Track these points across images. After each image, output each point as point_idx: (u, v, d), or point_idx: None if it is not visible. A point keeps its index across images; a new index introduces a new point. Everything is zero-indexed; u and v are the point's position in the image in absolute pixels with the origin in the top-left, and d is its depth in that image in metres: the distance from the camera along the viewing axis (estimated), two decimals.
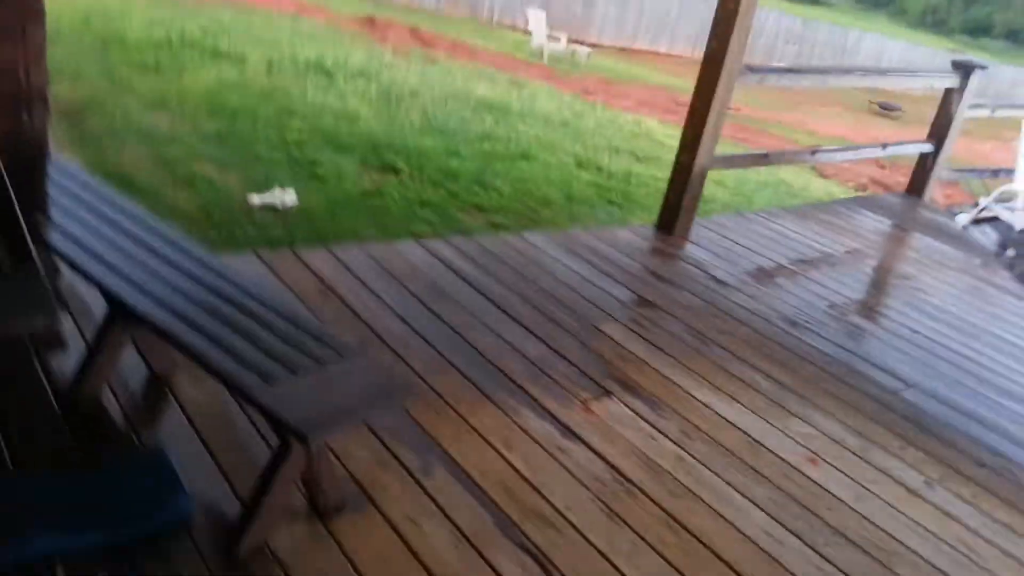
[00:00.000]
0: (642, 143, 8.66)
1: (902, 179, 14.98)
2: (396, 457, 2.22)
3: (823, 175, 12.39)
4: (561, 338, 3.13)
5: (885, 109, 24.40)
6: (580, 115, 9.58)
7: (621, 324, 3.37)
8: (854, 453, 2.78)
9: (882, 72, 5.89)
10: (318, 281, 3.15)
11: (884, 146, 5.91)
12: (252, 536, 1.76)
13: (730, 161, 4.84)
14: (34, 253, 1.39)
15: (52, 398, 2.14)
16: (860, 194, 8.28)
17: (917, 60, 33.21)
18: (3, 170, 1.74)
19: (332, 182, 5.17)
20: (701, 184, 4.56)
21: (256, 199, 4.56)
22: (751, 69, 4.42)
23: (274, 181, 4.89)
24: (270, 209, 4.51)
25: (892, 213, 6.01)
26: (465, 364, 2.79)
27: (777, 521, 2.33)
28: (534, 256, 3.88)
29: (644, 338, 3.28)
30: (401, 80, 8.41)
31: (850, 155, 5.80)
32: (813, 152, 5.64)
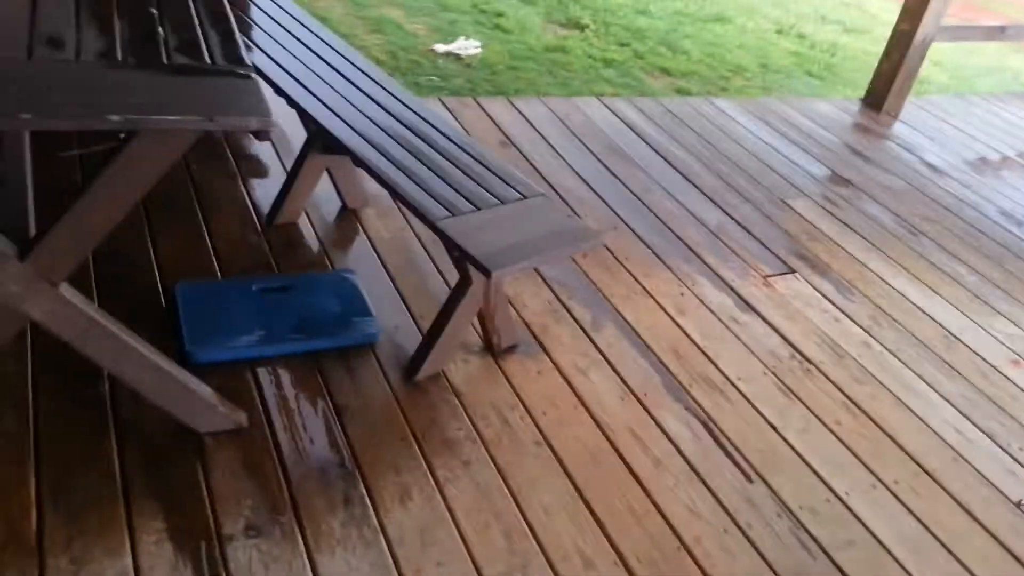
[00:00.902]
0: (853, 13, 7.79)
1: None
2: (567, 309, 2.22)
3: None
4: (745, 209, 2.96)
5: None
6: None
7: (813, 201, 3.15)
8: None
9: None
10: (498, 130, 3.13)
11: None
12: (431, 363, 1.84)
13: (959, 32, 4.26)
14: (244, 54, 1.41)
15: (255, 219, 2.28)
16: None
17: None
18: None
19: (516, 34, 5.04)
20: (921, 57, 4.06)
21: (441, 47, 4.54)
22: None
23: (459, 31, 4.83)
24: (454, 57, 4.49)
25: None
26: (641, 226, 2.71)
27: (968, 418, 2.16)
28: (722, 123, 3.65)
29: (838, 218, 3.05)
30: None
31: None
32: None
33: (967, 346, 2.46)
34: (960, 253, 2.99)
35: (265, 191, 2.39)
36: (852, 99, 4.33)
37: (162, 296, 1.92)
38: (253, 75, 1.29)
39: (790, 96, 4.67)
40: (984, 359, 2.41)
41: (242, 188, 2.42)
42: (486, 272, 1.58)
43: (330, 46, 2.39)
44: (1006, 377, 2.36)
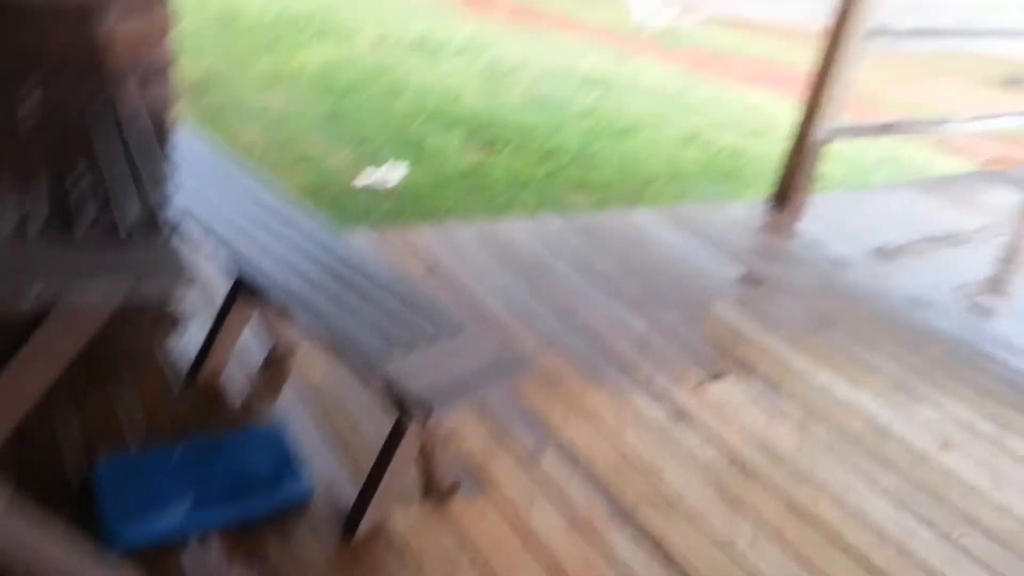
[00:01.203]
0: (752, 118, 8.33)
1: None
2: (508, 438, 2.21)
3: (945, 152, 11.63)
4: (671, 317, 3.05)
5: (1015, 82, 22.70)
6: (686, 89, 9.31)
7: (733, 302, 3.26)
8: (988, 440, 2.59)
9: (1021, 35, 5.40)
10: (425, 259, 3.18)
11: (1021, 114, 5.47)
12: (371, 515, 1.79)
13: (852, 132, 4.59)
14: (161, 217, 1.42)
15: (179, 376, 2.23)
16: (993, 170, 7.70)
17: None
18: (133, 137, 1.81)
19: (438, 159, 5.20)
20: (815, 162, 4.33)
21: (366, 175, 4.65)
22: (878, 32, 4.15)
23: (383, 158, 4.96)
24: (379, 186, 4.59)
25: None
26: (573, 344, 2.76)
27: (907, 509, 2.20)
28: (641, 233, 3.79)
29: (758, 317, 3.16)
30: (505, 55, 8.38)
31: (982, 125, 5.40)
32: (942, 122, 5.28)
33: (896, 436, 2.53)
34: (876, 343, 3.12)
35: (187, 343, 2.35)
36: (758, 200, 4.57)
37: (80, 476, 1.83)
38: (173, 236, 1.30)
39: (702, 202, 4.91)
40: (914, 447, 2.49)
41: (163, 342, 2.37)
42: (425, 414, 1.58)
43: (253, 185, 2.42)
44: (937, 463, 2.43)
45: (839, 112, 4.22)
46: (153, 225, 1.34)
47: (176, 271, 1.20)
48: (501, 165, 5.29)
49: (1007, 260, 4.50)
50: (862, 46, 4.04)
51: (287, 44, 7.47)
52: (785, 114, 9.53)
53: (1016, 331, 3.43)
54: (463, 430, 2.19)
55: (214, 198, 2.28)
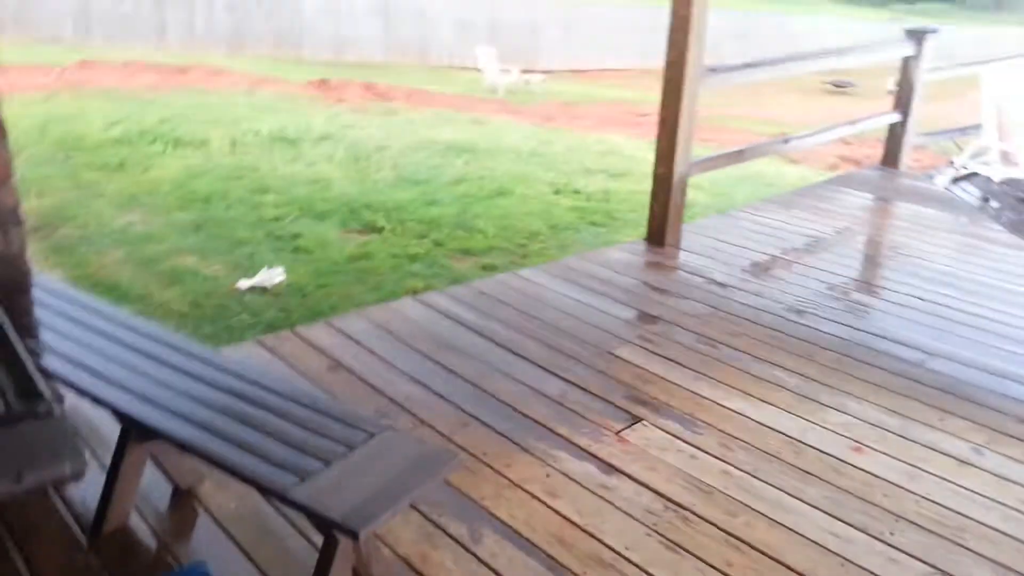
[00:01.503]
0: (613, 160, 8.68)
1: (869, 151, 15.11)
2: (442, 529, 2.14)
3: (793, 161, 12.48)
4: (579, 371, 3.07)
5: (839, 87, 24.73)
6: (547, 143, 9.62)
7: (634, 345, 3.32)
8: (896, 434, 2.73)
9: (840, 53, 5.90)
10: (324, 358, 3.08)
11: (854, 122, 5.93)
12: None
13: (708, 164, 4.83)
14: (42, 387, 1.32)
15: (79, 534, 2.05)
16: (837, 173, 8.30)
17: (863, 35, 33.76)
18: None
19: (317, 252, 5.12)
20: (683, 192, 4.54)
21: (244, 283, 4.51)
22: (712, 70, 4.43)
23: (258, 262, 4.84)
24: (260, 291, 4.46)
25: (872, 187, 6.02)
26: (489, 416, 2.73)
27: (838, 519, 2.26)
28: (532, 292, 3.83)
29: (660, 355, 3.23)
30: (366, 137, 8.42)
31: (823, 137, 5.81)
32: (786, 141, 5.65)
33: (811, 446, 2.62)
34: (772, 358, 3.24)
35: (85, 496, 2.17)
36: (637, 239, 4.72)
37: None
38: (55, 409, 1.19)
39: (584, 250, 5.03)
40: (830, 454, 2.58)
41: (57, 501, 2.18)
42: (353, 535, 1.50)
43: (125, 325, 2.29)
44: (854, 467, 2.52)
45: (691, 146, 4.45)
46: (33, 398, 1.23)
47: (67, 448, 1.10)
48: (383, 247, 5.26)
49: (869, 257, 4.82)
50: (699, 85, 4.30)
51: (138, 159, 7.23)
52: (641, 151, 9.99)
53: (894, 323, 3.65)
54: (396, 530, 2.11)
55: (87, 346, 2.14)
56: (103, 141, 7.85)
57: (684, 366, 3.15)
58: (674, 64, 4.24)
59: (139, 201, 6.06)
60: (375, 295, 4.43)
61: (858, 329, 3.56)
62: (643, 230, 4.65)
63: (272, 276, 4.59)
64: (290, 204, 6.03)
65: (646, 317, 3.64)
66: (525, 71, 22.07)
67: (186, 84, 11.66)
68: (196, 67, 13.29)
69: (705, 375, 3.08)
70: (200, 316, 4.09)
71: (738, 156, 5.06)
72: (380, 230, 5.56)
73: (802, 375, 3.11)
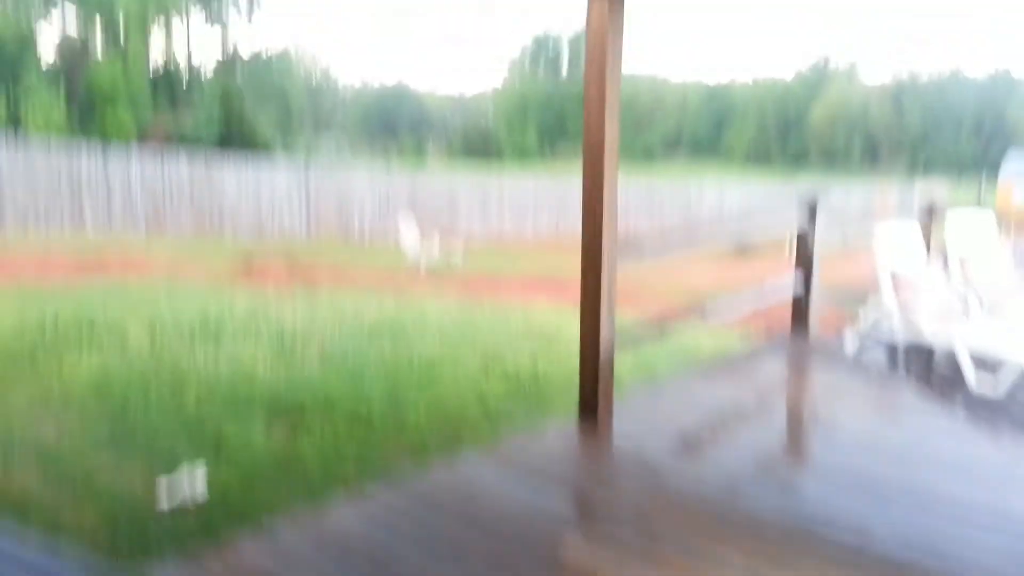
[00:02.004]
0: (539, 331, 8.87)
1: (776, 306, 15.87)
2: None
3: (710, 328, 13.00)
4: (525, 568, 2.97)
5: (742, 251, 26.40)
6: (472, 320, 9.78)
7: (580, 537, 3.26)
8: None
9: (744, 220, 6.37)
10: None
11: (762, 289, 6.28)
12: None
13: (635, 339, 4.99)
14: None
15: None
16: (754, 342, 8.66)
17: (756, 195, 36.51)
18: None
19: (243, 450, 4.94)
20: (611, 372, 4.63)
21: (165, 493, 4.27)
22: (631, 248, 4.65)
23: (179, 464, 4.62)
24: (182, 500, 4.23)
25: (787, 356, 6.30)
26: None
27: None
28: (470, 483, 3.76)
29: (605, 544, 3.17)
30: (290, 321, 8.39)
31: (738, 305, 6.11)
32: (704, 311, 5.89)
33: None
34: (718, 537, 3.22)
35: None
36: (570, 416, 4.74)
37: None
38: None
39: (516, 432, 5.00)
40: None
41: None
42: None
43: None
44: None
45: (614, 324, 4.59)
46: None
47: None
48: (311, 441, 5.13)
49: (793, 428, 4.96)
50: (616, 263, 4.49)
51: (50, 357, 6.97)
52: (565, 318, 10.25)
53: (830, 498, 3.69)
54: None
55: None
56: (13, 336, 7.57)
57: (632, 553, 3.09)
58: (589, 248, 4.42)
59: (48, 407, 5.79)
60: (306, 495, 4.25)
61: (796, 508, 3.59)
62: (574, 404, 4.69)
63: (193, 482, 4.37)
64: (213, 398, 5.86)
65: (587, 509, 3.60)
66: (445, 241, 22.74)
67: (103, 275, 11.53)
68: (113, 257, 13.20)
69: (653, 561, 3.02)
70: (120, 536, 3.83)
71: (663, 328, 5.25)
72: (308, 424, 5.43)
73: (747, 553, 3.08)
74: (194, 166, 21.70)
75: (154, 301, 9.24)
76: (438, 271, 17.93)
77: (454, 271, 17.95)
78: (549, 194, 28.73)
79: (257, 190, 22.58)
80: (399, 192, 25.36)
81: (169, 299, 9.52)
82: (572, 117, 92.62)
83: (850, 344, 6.79)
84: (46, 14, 61.96)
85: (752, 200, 35.61)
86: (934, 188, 52.28)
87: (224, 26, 73.87)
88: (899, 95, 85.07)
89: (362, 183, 24.78)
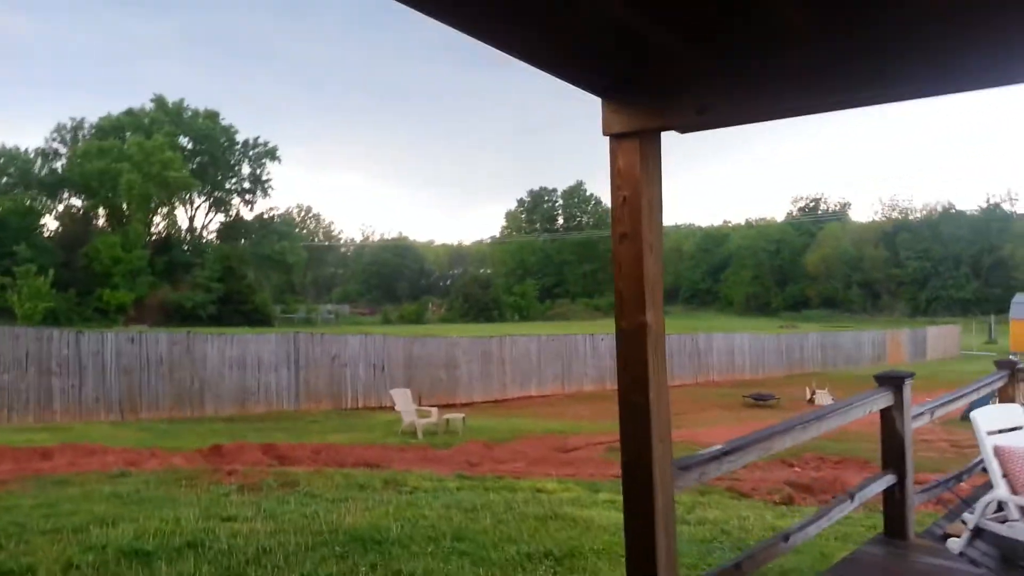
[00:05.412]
0: (554, 529, 7.22)
1: (815, 474, 14.05)
2: None
3: (740, 492, 11.27)
4: None
5: (759, 400, 24.70)
6: (472, 508, 8.16)
7: None
8: None
9: (821, 417, 4.92)
10: None
11: (852, 496, 4.75)
12: None
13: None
14: None
15: None
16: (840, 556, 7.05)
17: (768, 345, 35.26)
18: None
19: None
20: None
21: None
22: (688, 466, 3.27)
23: None
24: None
25: (885, 570, 4.73)
26: None
27: None
28: None
29: None
30: (247, 536, 6.75)
31: (819, 524, 4.53)
32: (786, 538, 4.25)
33: None
34: None
35: None
36: None
37: None
38: None
39: None
40: None
41: None
42: None
43: None
44: None
45: (675, 556, 3.11)
46: None
47: None
48: None
49: None
50: (672, 486, 3.12)
51: None
52: (581, 504, 8.60)
53: None
54: None
55: None
56: None
57: None
58: (632, 463, 3.06)
59: None
60: None
61: None
62: None
63: None
64: None
65: None
66: (444, 407, 21.25)
67: (47, 471, 9.95)
68: (65, 447, 11.67)
69: None
70: None
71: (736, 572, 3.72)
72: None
73: None
74: (175, 341, 20.53)
75: (89, 512, 7.61)
76: (436, 441, 16.35)
77: (452, 440, 16.37)
78: (552, 350, 27.46)
79: (242, 361, 21.28)
80: (396, 355, 24.09)
81: (109, 506, 7.91)
82: (570, 269, 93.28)
83: (955, 544, 5.29)
84: (51, 196, 63.61)
85: (767, 349, 34.43)
86: (947, 332, 51.29)
87: (228, 209, 75.79)
88: (893, 234, 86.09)
89: (357, 348, 23.55)
